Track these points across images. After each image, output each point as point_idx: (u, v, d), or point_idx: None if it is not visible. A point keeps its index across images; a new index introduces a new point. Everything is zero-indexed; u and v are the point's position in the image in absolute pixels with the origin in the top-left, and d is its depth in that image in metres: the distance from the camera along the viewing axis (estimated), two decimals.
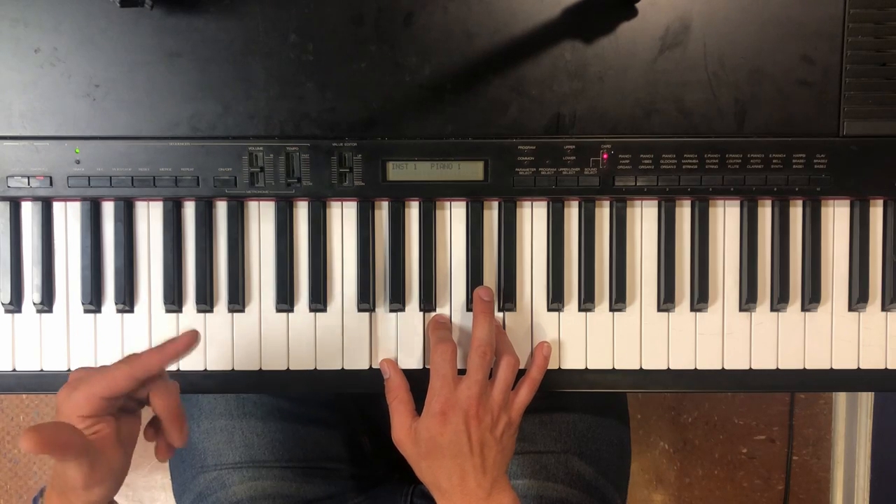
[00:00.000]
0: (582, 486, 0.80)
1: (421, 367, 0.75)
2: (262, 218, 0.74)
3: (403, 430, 0.70)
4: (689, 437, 1.54)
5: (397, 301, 0.74)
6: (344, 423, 0.86)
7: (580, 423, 0.82)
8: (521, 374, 0.73)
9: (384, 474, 0.90)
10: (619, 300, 0.74)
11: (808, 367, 0.75)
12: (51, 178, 0.72)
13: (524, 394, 0.71)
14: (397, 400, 0.71)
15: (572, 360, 0.74)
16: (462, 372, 0.70)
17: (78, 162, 0.71)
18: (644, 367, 0.75)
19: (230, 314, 0.74)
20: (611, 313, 0.75)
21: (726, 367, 0.75)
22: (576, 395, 0.83)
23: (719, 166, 0.72)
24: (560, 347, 0.75)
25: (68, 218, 0.74)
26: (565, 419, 0.82)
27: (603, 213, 0.75)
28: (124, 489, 1.52)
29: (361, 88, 0.71)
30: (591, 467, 0.81)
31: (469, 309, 0.74)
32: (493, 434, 0.68)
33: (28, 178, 0.72)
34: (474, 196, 0.73)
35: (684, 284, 0.75)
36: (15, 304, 0.73)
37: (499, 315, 0.74)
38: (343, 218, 0.74)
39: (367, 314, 0.74)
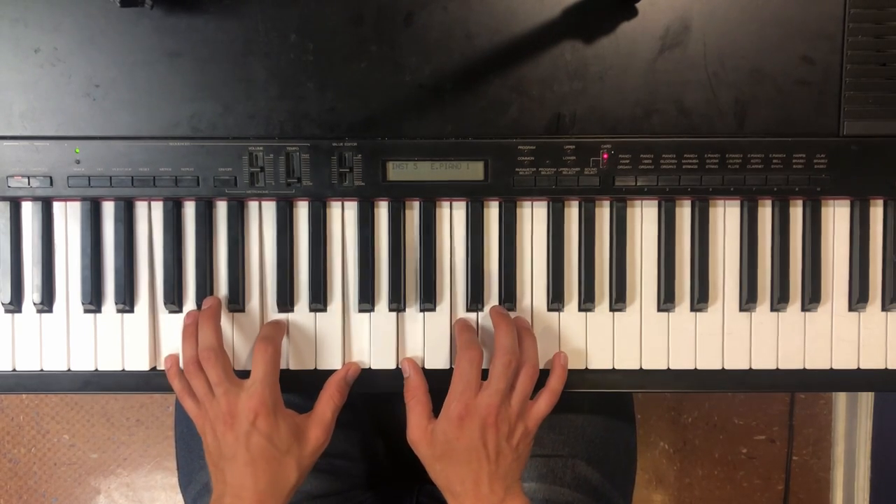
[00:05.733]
0: (588, 490, 0.80)
1: (420, 367, 0.74)
2: (262, 218, 0.74)
3: (419, 430, 0.69)
4: (689, 437, 1.54)
5: (397, 301, 0.74)
6: (355, 421, 0.86)
7: (589, 426, 0.82)
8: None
9: (393, 473, 0.90)
10: (619, 300, 0.74)
11: (808, 367, 0.75)
12: (51, 178, 0.72)
13: (543, 405, 0.71)
14: (415, 400, 0.71)
15: (572, 361, 0.74)
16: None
17: (78, 162, 0.72)
18: (644, 367, 0.75)
19: (230, 314, 0.74)
20: (611, 313, 0.75)
21: (726, 367, 0.75)
22: (585, 397, 0.83)
23: (719, 166, 0.72)
24: (560, 347, 0.75)
25: (68, 218, 0.74)
26: (574, 422, 0.82)
27: (603, 213, 0.75)
28: (124, 489, 1.53)
29: (361, 88, 0.71)
30: (598, 472, 0.81)
31: (469, 309, 0.74)
32: (509, 443, 0.68)
33: (28, 178, 0.72)
34: (474, 196, 0.73)
35: (684, 284, 0.75)
36: (15, 304, 0.73)
37: None
38: (343, 218, 0.74)
39: (367, 314, 0.74)
